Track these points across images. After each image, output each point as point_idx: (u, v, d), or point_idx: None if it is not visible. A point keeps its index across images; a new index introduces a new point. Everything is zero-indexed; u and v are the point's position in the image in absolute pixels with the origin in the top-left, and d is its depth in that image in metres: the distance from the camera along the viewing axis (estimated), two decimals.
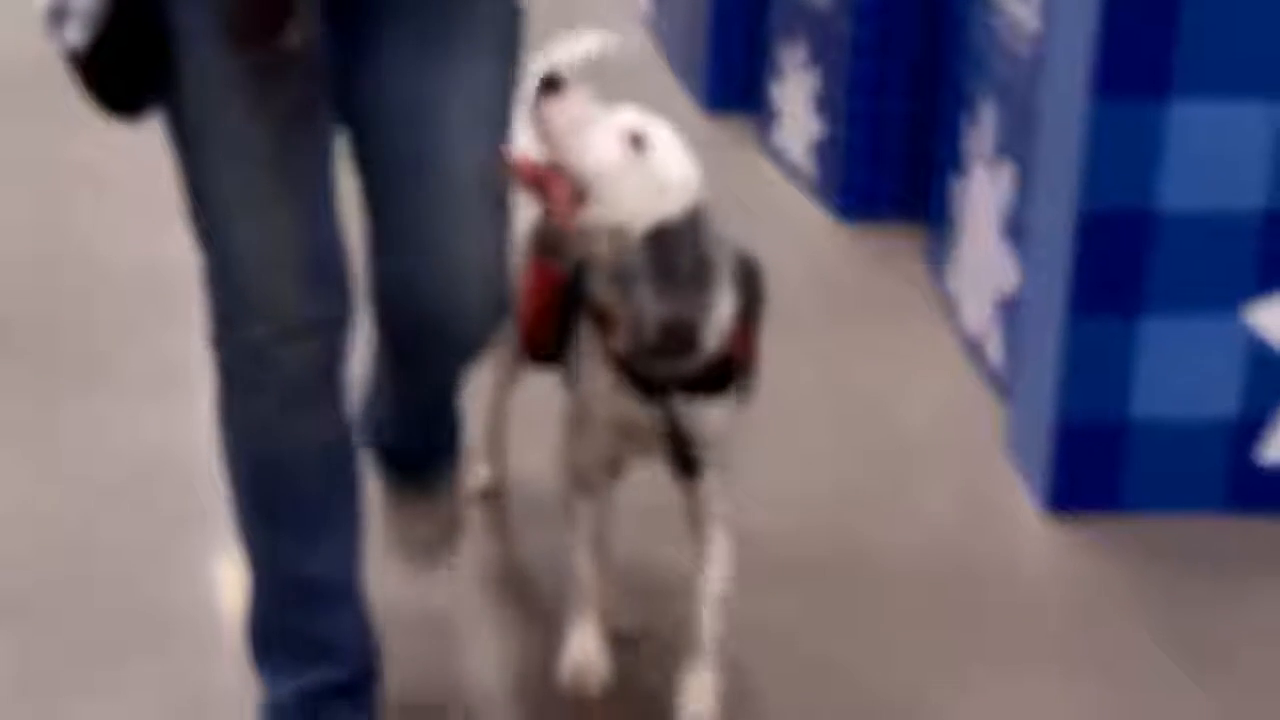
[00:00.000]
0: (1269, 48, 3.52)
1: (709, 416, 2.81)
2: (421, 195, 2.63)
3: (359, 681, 2.85)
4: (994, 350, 4.26)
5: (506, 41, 2.67)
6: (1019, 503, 3.84)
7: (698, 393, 2.77)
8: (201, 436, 2.73)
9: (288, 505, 2.77)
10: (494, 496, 3.68)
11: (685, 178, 2.73)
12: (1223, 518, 3.78)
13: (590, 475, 2.99)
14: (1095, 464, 3.77)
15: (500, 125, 2.68)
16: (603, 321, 2.78)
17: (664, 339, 2.64)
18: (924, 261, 4.95)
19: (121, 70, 2.49)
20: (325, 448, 2.76)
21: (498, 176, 2.67)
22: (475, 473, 3.66)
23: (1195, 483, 3.79)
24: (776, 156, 5.80)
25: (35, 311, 4.53)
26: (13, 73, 5.87)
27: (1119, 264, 3.64)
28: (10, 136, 5.68)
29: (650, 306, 2.62)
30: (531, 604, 3.38)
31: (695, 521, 2.95)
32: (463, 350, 2.79)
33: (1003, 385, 4.17)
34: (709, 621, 2.94)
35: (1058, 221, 3.71)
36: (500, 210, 2.69)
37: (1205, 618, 3.47)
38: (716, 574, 2.95)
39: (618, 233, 2.66)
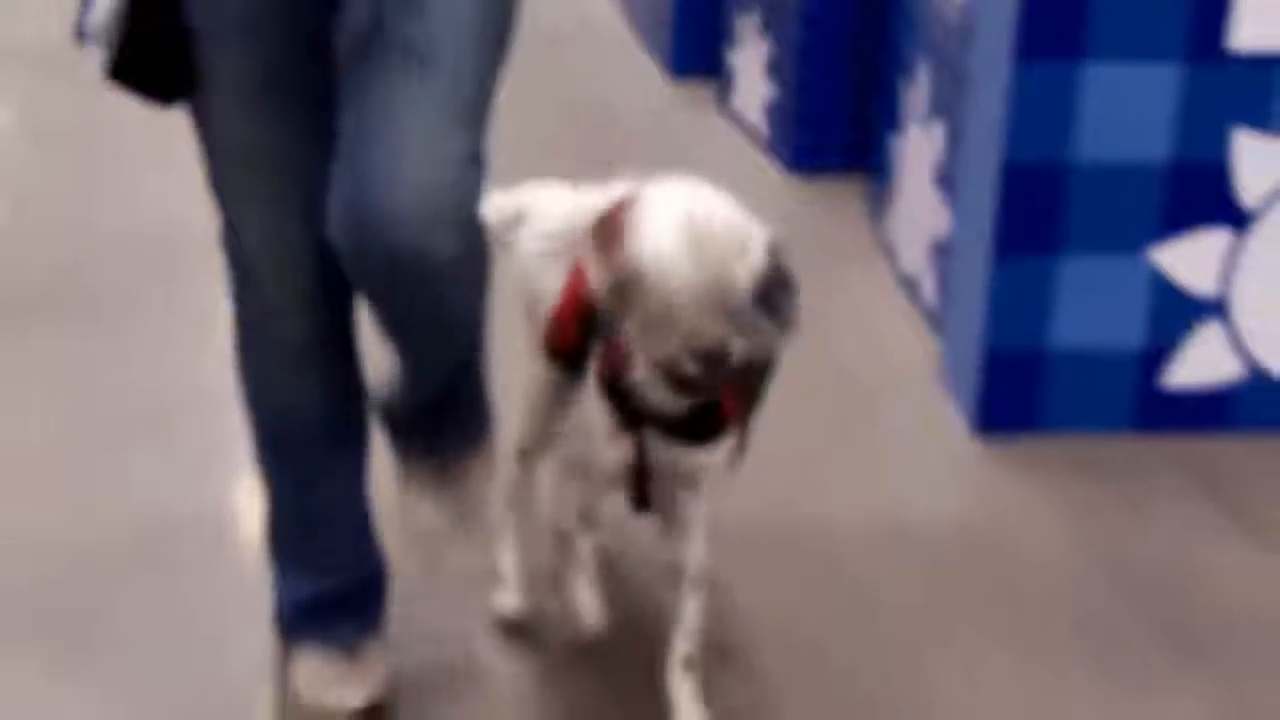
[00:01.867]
0: (1171, 15, 3.53)
1: (694, 459, 2.62)
2: (389, 107, 2.37)
3: (358, 594, 2.87)
4: (928, 288, 4.28)
5: None
6: (952, 425, 3.86)
7: (678, 434, 2.58)
8: (222, 375, 2.75)
9: (292, 448, 2.78)
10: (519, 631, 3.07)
11: (747, 228, 2.55)
12: (1130, 436, 3.81)
13: (594, 512, 2.82)
14: (1018, 389, 3.79)
15: (483, 46, 2.42)
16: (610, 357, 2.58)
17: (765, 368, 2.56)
18: (866, 210, 4.95)
19: (149, 74, 2.45)
20: (329, 405, 2.75)
21: (477, 96, 2.42)
22: (502, 597, 3.07)
23: (1106, 405, 3.81)
24: (734, 117, 5.79)
25: (68, 266, 4.52)
26: (43, 51, 5.84)
27: (1038, 209, 3.66)
28: (39, 110, 5.68)
29: (770, 342, 2.50)
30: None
31: (672, 574, 2.76)
32: (428, 279, 2.40)
33: (936, 319, 4.18)
34: (677, 685, 2.74)
35: (984, 172, 3.73)
36: (467, 129, 2.40)
37: (1115, 522, 3.50)
38: (687, 630, 2.75)
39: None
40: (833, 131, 5.27)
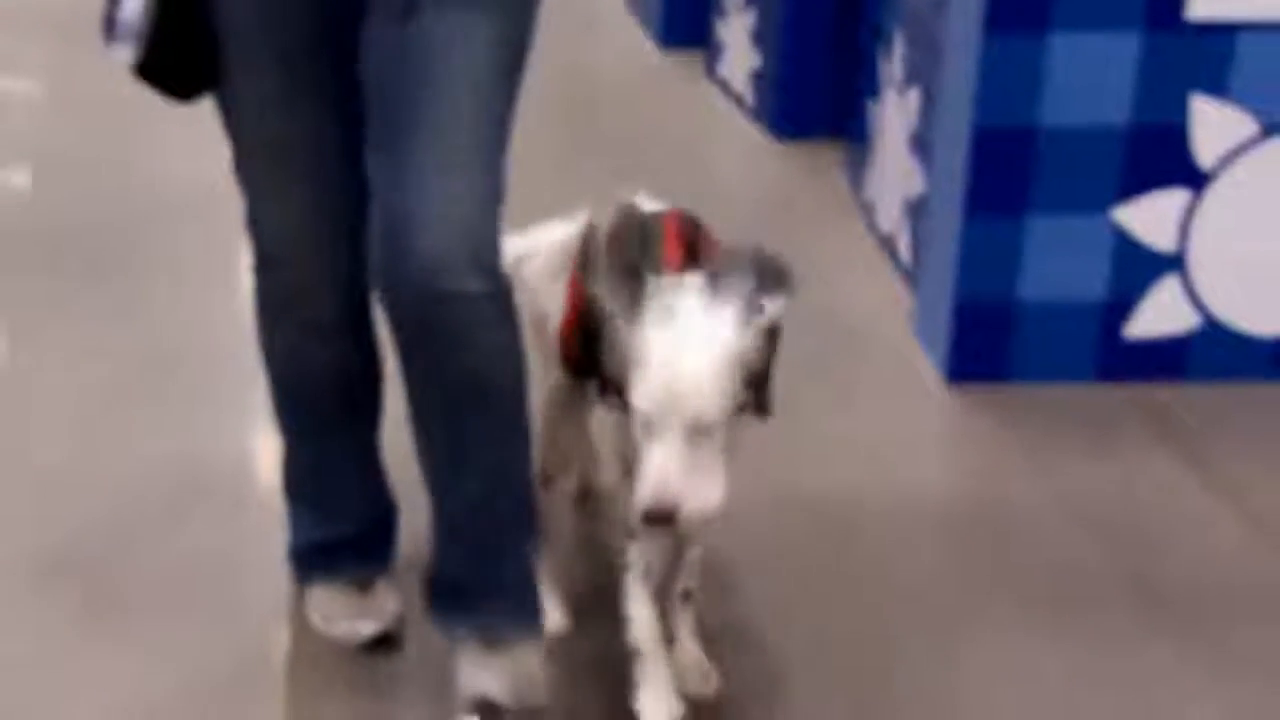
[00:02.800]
0: None
1: None
2: (414, 159, 2.35)
3: (369, 535, 2.89)
4: (903, 246, 4.28)
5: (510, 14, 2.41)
6: (925, 374, 3.87)
7: None
8: (241, 321, 2.77)
9: (310, 409, 2.79)
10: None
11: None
12: (1092, 385, 3.82)
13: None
14: (987, 340, 3.80)
15: (492, 107, 2.40)
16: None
17: None
18: (845, 172, 4.94)
19: (173, 72, 2.43)
20: (341, 372, 2.75)
21: (497, 136, 2.40)
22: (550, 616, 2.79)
23: (1070, 355, 3.82)
24: (721, 85, 5.78)
25: (97, 225, 4.52)
26: (67, 20, 5.82)
27: (1007, 171, 3.67)
28: (65, 78, 5.67)
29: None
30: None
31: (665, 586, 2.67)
32: (461, 319, 2.36)
33: (910, 275, 4.19)
34: (679, 617, 2.71)
35: (956, 136, 3.73)
36: (486, 174, 2.39)
37: (1077, 466, 3.52)
38: (686, 570, 2.70)
39: None
40: (814, 98, 5.26)
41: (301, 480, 2.87)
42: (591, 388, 2.65)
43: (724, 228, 3.81)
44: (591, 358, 2.57)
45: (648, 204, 2.71)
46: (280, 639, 2.91)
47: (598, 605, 2.80)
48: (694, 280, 2.36)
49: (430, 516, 2.59)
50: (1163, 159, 3.70)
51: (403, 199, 2.34)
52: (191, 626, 2.91)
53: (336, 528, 2.87)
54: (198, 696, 2.75)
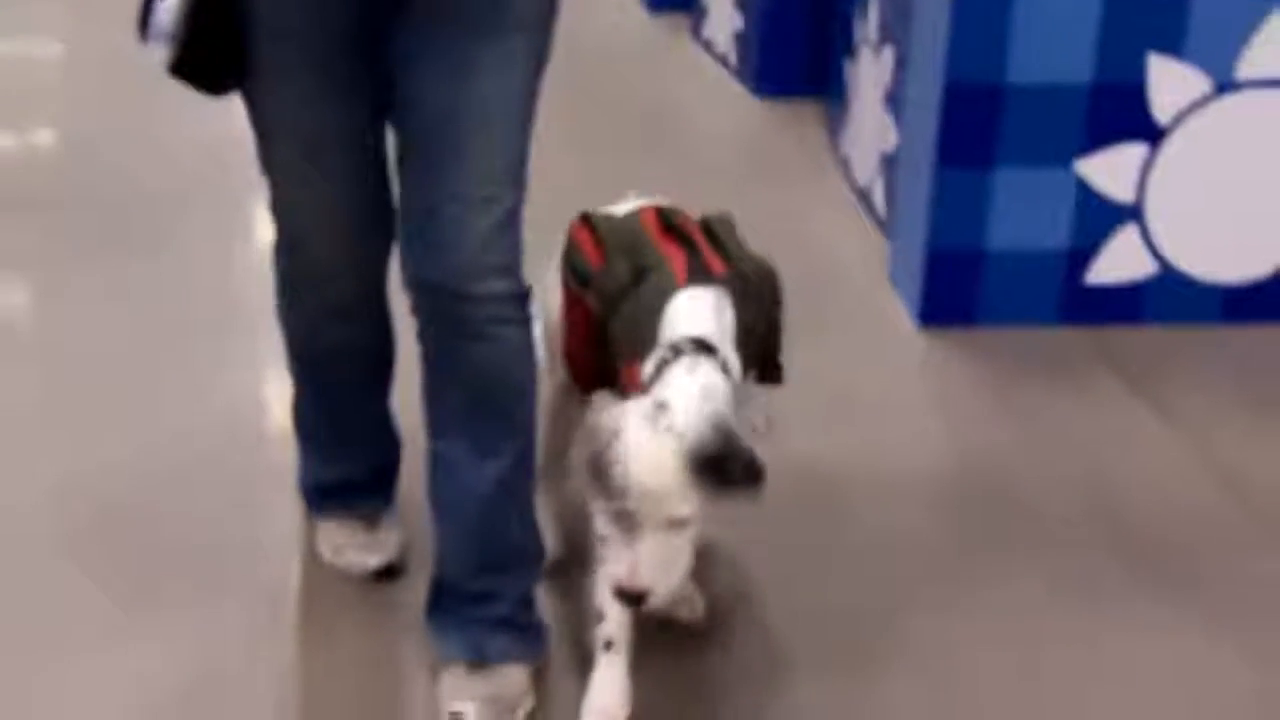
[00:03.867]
0: None
1: None
2: (449, 177, 2.39)
3: (376, 475, 2.90)
4: (878, 197, 4.28)
5: (537, 28, 2.43)
6: (899, 317, 3.88)
7: None
8: (258, 274, 2.78)
9: (320, 374, 2.79)
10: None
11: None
12: (1055, 327, 3.83)
13: None
14: (957, 286, 3.81)
15: (519, 123, 2.42)
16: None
17: None
18: (824, 128, 4.94)
19: (205, 70, 2.40)
20: (359, 350, 2.76)
21: (522, 153, 2.43)
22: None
23: (1035, 300, 3.83)
24: (706, 46, 5.75)
25: (116, 185, 4.51)
26: None
27: (975, 127, 3.67)
28: (86, 43, 5.64)
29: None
30: None
31: None
32: (487, 316, 2.42)
33: (885, 225, 4.19)
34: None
35: (927, 93, 3.74)
36: (510, 189, 2.42)
37: (1042, 404, 3.55)
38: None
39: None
40: (794, 58, 5.23)
41: (313, 426, 2.87)
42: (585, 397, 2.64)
43: (710, 182, 3.82)
44: (607, 371, 2.54)
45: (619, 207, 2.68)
46: (293, 575, 2.92)
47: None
48: (685, 382, 2.32)
49: (436, 529, 2.59)
50: (1122, 115, 3.71)
51: (440, 207, 2.38)
52: (208, 566, 2.93)
53: (346, 470, 2.87)
54: (212, 631, 2.77)
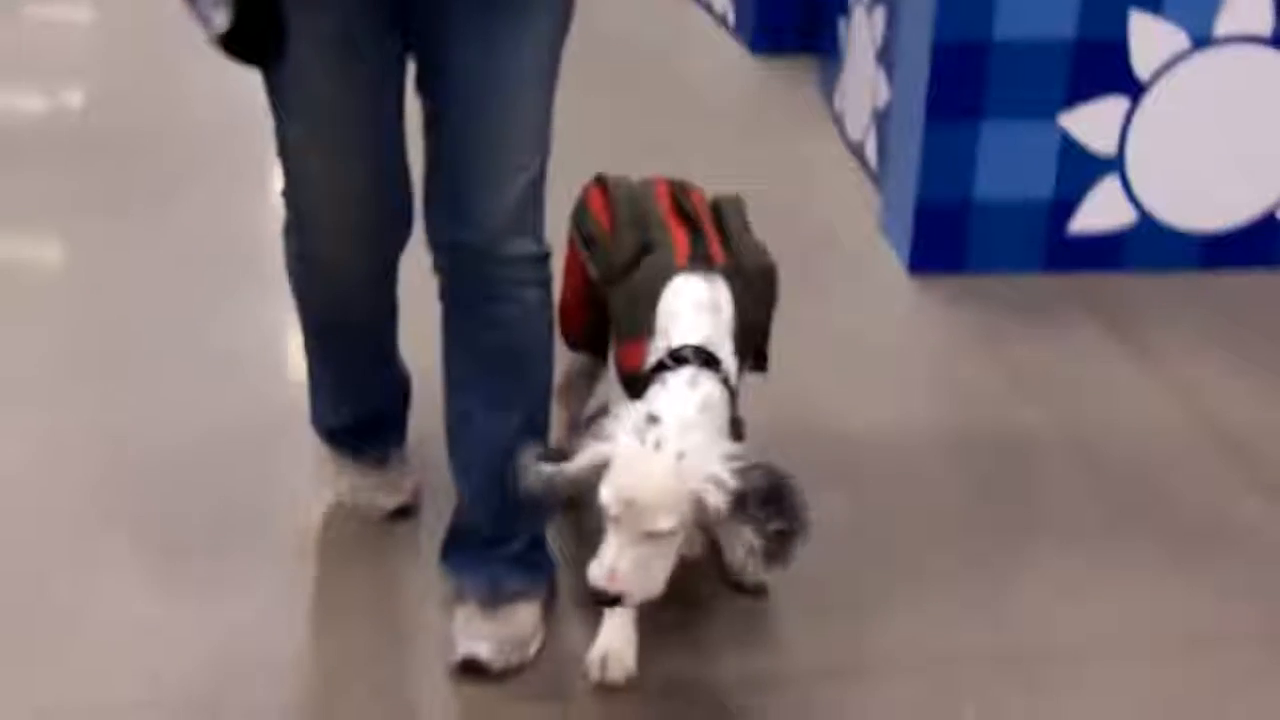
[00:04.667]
0: None
1: None
2: (473, 142, 2.38)
3: (386, 417, 2.87)
4: (870, 151, 4.28)
5: (557, 13, 2.40)
6: (890, 266, 3.89)
7: None
8: (274, 222, 2.77)
9: (330, 336, 2.72)
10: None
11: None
12: (1039, 275, 3.84)
13: None
14: (946, 235, 3.81)
15: (543, 90, 2.40)
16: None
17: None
18: (818, 85, 4.93)
19: (251, 41, 2.31)
20: (367, 320, 2.70)
21: (544, 121, 2.41)
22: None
23: (1020, 248, 3.83)
24: (705, 5, 5.75)
25: (146, 136, 4.52)
26: None
27: (964, 82, 3.67)
28: (115, 7, 5.67)
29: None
30: None
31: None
32: (510, 275, 2.43)
33: (877, 177, 4.19)
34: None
35: (918, 50, 3.73)
36: (532, 153, 2.41)
37: (1027, 347, 3.56)
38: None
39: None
40: (789, 16, 5.24)
41: (324, 375, 2.82)
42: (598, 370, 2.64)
43: (709, 136, 3.80)
44: (595, 334, 2.54)
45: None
46: (315, 521, 2.92)
47: None
48: (681, 398, 2.28)
49: (456, 476, 2.59)
50: (1104, 70, 3.70)
51: (467, 175, 2.38)
52: (221, 494, 2.95)
53: (357, 414, 2.84)
54: (227, 562, 2.78)
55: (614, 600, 2.25)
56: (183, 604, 2.68)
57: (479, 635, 2.52)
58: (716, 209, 2.58)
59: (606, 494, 2.21)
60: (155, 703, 2.47)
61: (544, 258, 2.47)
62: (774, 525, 2.22)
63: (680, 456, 2.19)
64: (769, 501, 2.21)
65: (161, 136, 4.53)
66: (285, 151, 2.45)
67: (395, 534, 2.86)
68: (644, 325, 2.39)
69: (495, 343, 2.48)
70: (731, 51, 5.33)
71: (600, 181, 2.62)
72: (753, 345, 2.53)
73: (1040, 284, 3.82)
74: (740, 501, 2.19)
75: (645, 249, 2.47)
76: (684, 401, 2.27)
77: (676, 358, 2.32)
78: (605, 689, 2.50)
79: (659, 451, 2.20)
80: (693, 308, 2.38)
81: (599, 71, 4.89)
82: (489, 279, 2.43)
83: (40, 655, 2.57)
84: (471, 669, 2.51)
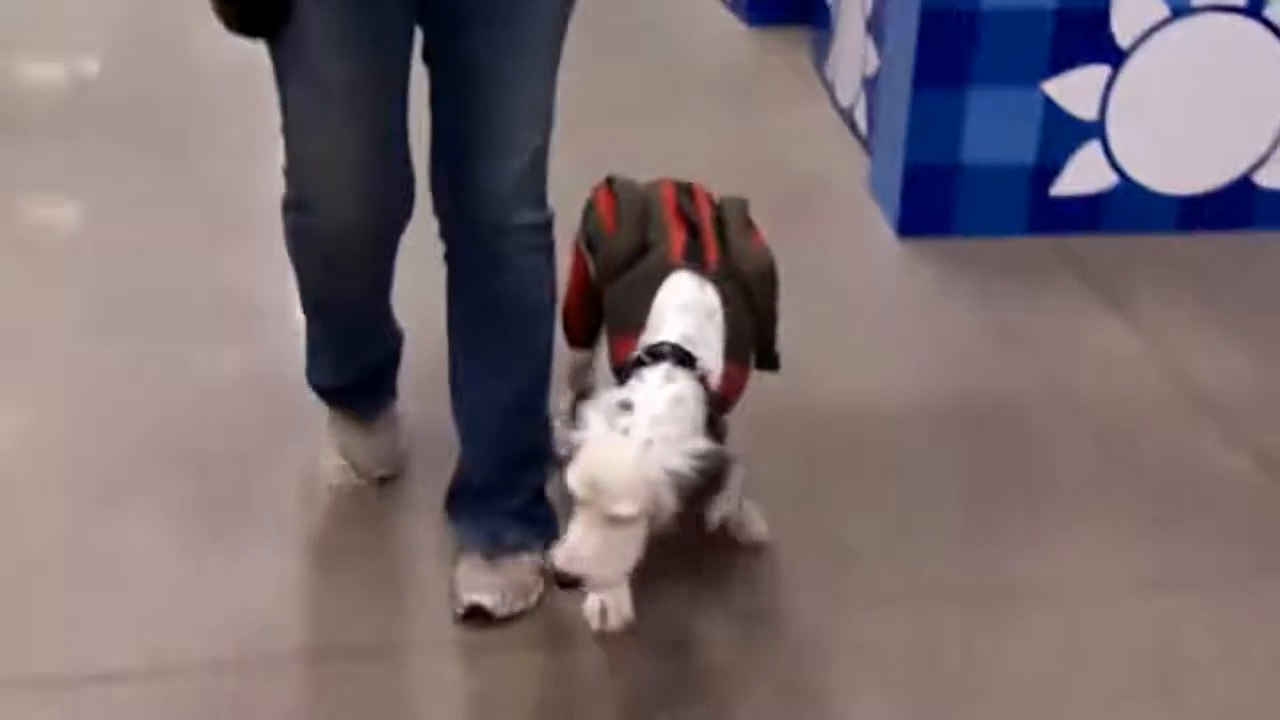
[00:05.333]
0: None
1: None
2: (482, 115, 2.35)
3: (380, 374, 2.82)
4: (860, 117, 4.28)
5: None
6: (880, 228, 3.89)
7: None
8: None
9: (328, 309, 2.65)
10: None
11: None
12: (1023, 236, 3.84)
13: None
14: (933, 198, 3.82)
15: (550, 65, 2.38)
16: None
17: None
18: (811, 54, 4.93)
19: (256, 9, 2.27)
20: (364, 298, 2.64)
21: (549, 95, 2.39)
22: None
23: (1005, 212, 3.83)
24: None
25: (158, 102, 4.52)
26: None
27: (951, 50, 3.66)
28: None
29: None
30: None
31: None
32: (515, 244, 2.42)
33: (866, 142, 4.19)
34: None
35: (906, 19, 3.73)
36: (539, 125, 2.40)
37: (1011, 307, 3.56)
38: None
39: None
40: None
41: (321, 338, 2.75)
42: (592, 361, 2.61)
43: (706, 104, 3.78)
44: (597, 334, 2.50)
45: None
46: (318, 463, 2.91)
47: None
48: (655, 390, 2.23)
49: (460, 435, 2.59)
50: (1086, 38, 3.70)
51: (474, 148, 2.36)
52: (233, 449, 2.96)
53: (354, 374, 2.79)
54: (234, 519, 2.79)
55: (574, 582, 2.19)
56: (188, 561, 2.69)
57: (481, 585, 2.53)
58: (719, 211, 2.55)
59: (572, 476, 2.18)
60: (158, 669, 2.46)
61: (547, 225, 2.47)
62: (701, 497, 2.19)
63: (647, 445, 2.16)
64: (700, 499, 2.18)
65: (176, 105, 4.53)
66: (288, 125, 2.37)
67: (396, 489, 2.86)
68: (635, 320, 2.36)
69: (500, 307, 2.48)
70: (728, 24, 5.32)
71: (609, 183, 2.60)
72: (754, 345, 2.48)
73: (1023, 245, 3.82)
74: (686, 495, 2.16)
75: (643, 249, 2.44)
76: (657, 394, 2.23)
77: (654, 353, 2.29)
78: (605, 637, 2.52)
79: (627, 438, 2.17)
80: (678, 307, 2.33)
81: (599, 43, 4.88)
82: (495, 247, 2.43)
83: (40, 621, 2.56)
84: (475, 616, 2.52)
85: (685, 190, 2.57)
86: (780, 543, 2.73)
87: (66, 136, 4.34)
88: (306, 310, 2.68)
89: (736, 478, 2.25)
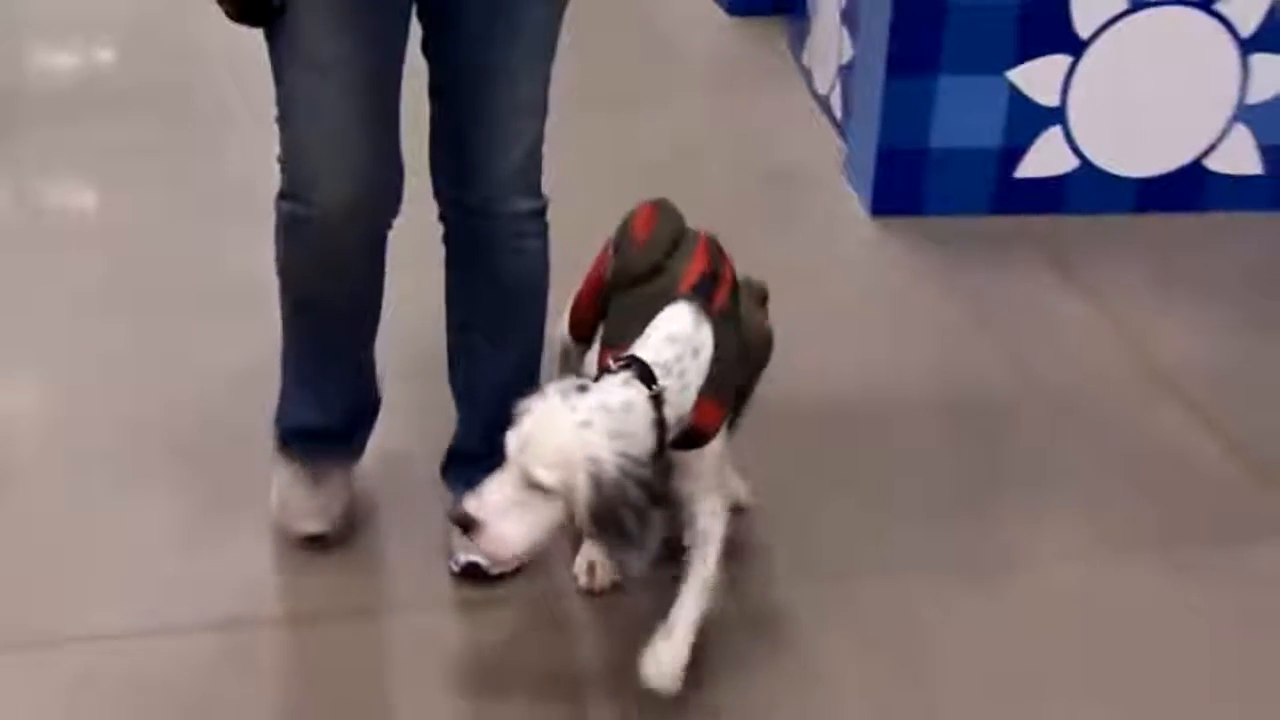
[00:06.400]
0: None
1: (688, 460, 2.26)
2: (482, 109, 2.34)
3: (350, 427, 2.65)
4: (836, 102, 4.26)
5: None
6: (854, 208, 3.88)
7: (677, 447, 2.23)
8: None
9: (314, 316, 2.52)
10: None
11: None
12: (989, 216, 3.83)
13: None
14: (905, 180, 3.80)
15: (546, 57, 2.36)
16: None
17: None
18: (789, 43, 4.88)
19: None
20: (353, 295, 2.49)
21: (545, 90, 2.37)
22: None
23: (972, 193, 3.82)
24: None
25: (174, 86, 4.47)
26: None
27: (922, 39, 3.65)
28: None
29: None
30: None
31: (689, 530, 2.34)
32: (513, 229, 2.42)
33: (841, 127, 4.18)
34: (689, 603, 2.30)
35: (880, 10, 3.71)
36: (536, 117, 2.38)
37: (976, 282, 3.56)
38: (702, 570, 2.31)
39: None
40: None
41: (301, 369, 2.59)
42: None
43: (688, 89, 3.75)
44: (589, 329, 2.44)
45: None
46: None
47: None
48: (610, 388, 2.14)
49: (456, 403, 2.58)
50: (1049, 29, 3.69)
51: (474, 138, 2.34)
52: (242, 423, 2.89)
53: (326, 416, 2.60)
54: (237, 490, 2.72)
55: (469, 526, 2.12)
56: (186, 529, 2.67)
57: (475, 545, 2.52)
58: (739, 280, 2.45)
59: (510, 434, 2.13)
60: (162, 628, 2.46)
61: (543, 210, 2.47)
62: (610, 542, 2.11)
63: (585, 424, 2.08)
64: (612, 523, 2.07)
65: (190, 88, 4.50)
66: (285, 112, 2.31)
67: (393, 464, 2.81)
68: (628, 338, 2.26)
69: (496, 287, 2.48)
70: (711, 14, 5.27)
71: (657, 203, 2.49)
72: (732, 400, 2.35)
73: (990, 224, 3.81)
74: (601, 499, 2.06)
75: (659, 268, 2.35)
76: (611, 391, 2.13)
77: (622, 362, 2.19)
78: (594, 593, 2.53)
79: (570, 411, 2.10)
80: (667, 336, 2.21)
81: (586, 34, 4.84)
82: (492, 232, 2.43)
83: (41, 581, 2.55)
84: (471, 573, 2.53)
85: (720, 248, 2.45)
86: (754, 513, 2.72)
87: (83, 118, 4.30)
88: (289, 328, 2.54)
89: (654, 537, 2.11)
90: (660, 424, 2.15)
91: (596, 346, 2.42)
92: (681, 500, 2.29)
